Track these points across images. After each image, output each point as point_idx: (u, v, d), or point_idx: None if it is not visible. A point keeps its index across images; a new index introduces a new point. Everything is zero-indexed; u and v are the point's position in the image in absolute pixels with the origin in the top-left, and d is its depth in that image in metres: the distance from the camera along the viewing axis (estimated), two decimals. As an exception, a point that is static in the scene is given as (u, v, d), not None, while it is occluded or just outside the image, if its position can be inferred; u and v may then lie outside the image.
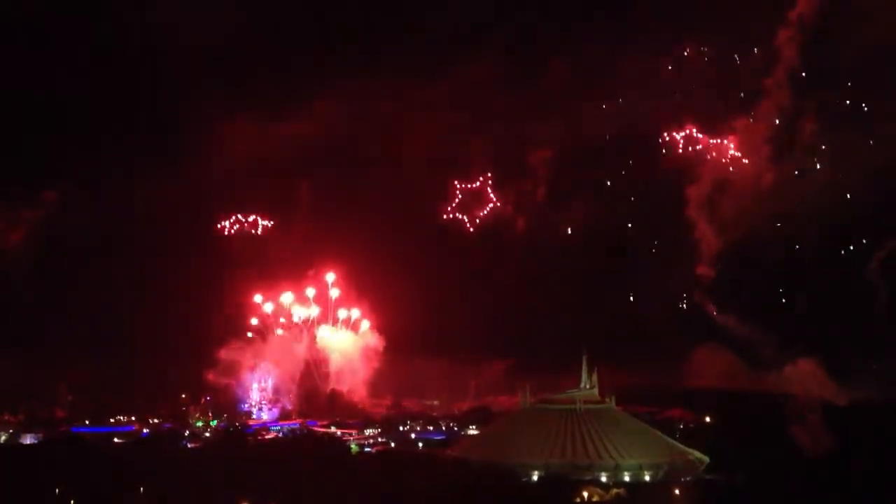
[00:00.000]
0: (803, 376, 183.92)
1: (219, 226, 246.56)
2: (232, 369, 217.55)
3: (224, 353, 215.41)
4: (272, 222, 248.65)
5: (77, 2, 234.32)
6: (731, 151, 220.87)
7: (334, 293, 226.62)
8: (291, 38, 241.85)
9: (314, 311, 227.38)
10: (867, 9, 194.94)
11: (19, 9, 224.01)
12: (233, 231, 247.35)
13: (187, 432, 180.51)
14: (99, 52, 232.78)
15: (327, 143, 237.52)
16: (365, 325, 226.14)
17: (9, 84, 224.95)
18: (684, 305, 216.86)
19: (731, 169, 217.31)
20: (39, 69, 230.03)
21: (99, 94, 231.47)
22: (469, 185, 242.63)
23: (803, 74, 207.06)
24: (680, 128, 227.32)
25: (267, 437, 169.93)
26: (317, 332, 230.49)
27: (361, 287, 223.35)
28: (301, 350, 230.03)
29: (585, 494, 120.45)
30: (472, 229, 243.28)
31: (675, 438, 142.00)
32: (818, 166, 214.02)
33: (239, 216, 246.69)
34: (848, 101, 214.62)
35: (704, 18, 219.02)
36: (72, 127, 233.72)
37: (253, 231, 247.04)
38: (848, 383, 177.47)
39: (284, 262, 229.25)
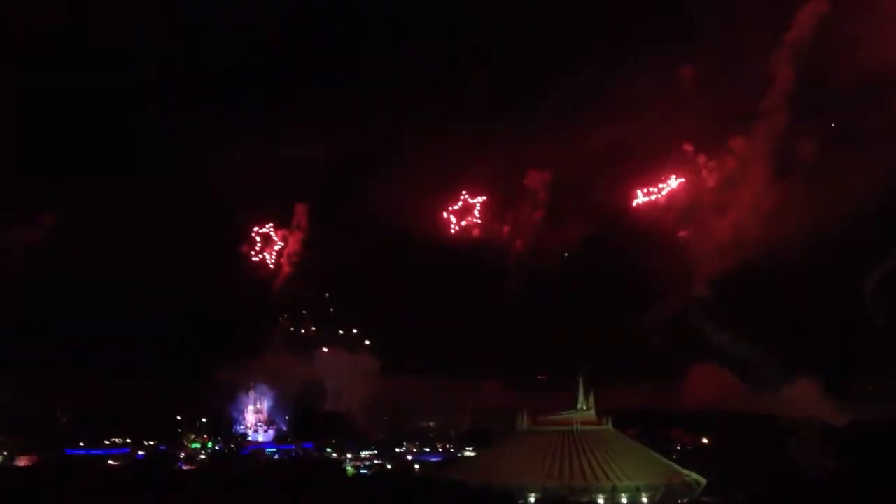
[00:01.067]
0: (801, 397, 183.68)
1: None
2: (228, 390, 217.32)
3: (220, 375, 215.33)
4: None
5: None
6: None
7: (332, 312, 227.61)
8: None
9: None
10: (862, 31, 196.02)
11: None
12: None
13: (182, 454, 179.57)
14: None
15: (326, 160, 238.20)
16: (362, 345, 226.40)
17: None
18: (681, 326, 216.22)
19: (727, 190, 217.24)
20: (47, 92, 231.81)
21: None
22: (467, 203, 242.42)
23: (800, 96, 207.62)
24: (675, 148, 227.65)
25: (262, 459, 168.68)
26: (313, 353, 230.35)
27: (359, 307, 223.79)
28: (298, 371, 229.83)
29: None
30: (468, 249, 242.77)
31: (672, 460, 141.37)
32: (814, 186, 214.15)
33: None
34: (844, 122, 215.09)
35: (702, 40, 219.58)
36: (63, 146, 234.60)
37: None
38: (846, 403, 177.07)
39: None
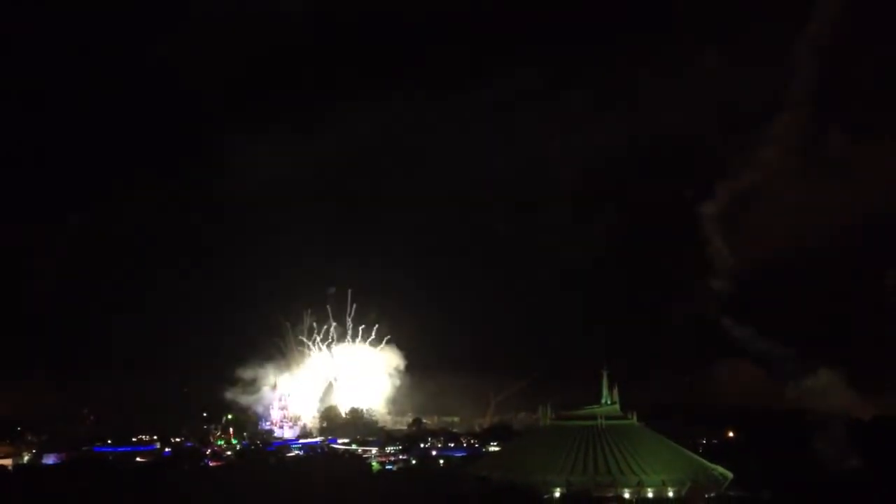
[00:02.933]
0: (826, 390, 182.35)
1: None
2: (253, 388, 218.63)
3: (245, 372, 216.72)
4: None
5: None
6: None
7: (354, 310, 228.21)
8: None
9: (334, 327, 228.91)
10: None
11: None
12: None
13: (209, 451, 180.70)
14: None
15: (349, 161, 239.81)
16: (386, 341, 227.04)
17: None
18: (705, 320, 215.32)
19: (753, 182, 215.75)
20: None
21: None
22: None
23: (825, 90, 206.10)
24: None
25: (288, 455, 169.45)
26: (337, 350, 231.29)
27: (382, 303, 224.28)
28: (322, 368, 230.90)
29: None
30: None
31: (698, 454, 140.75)
32: (841, 180, 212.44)
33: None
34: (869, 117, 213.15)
35: (727, 32, 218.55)
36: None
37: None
38: (872, 397, 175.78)
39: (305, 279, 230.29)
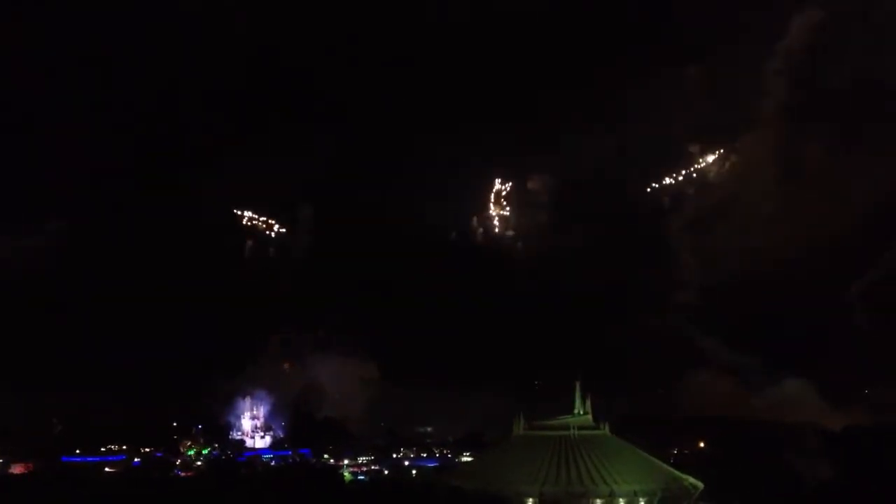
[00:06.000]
0: (795, 400, 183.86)
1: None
2: (224, 396, 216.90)
3: (217, 381, 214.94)
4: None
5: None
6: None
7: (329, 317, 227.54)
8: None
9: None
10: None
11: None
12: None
13: (178, 461, 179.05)
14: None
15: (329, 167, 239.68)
16: (359, 351, 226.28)
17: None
18: (676, 332, 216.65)
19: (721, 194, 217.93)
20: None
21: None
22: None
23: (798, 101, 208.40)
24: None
25: (259, 465, 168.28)
26: (310, 359, 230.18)
27: (356, 313, 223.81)
28: (295, 377, 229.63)
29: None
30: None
31: (669, 464, 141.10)
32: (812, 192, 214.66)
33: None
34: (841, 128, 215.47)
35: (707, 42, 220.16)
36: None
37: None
38: (842, 408, 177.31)
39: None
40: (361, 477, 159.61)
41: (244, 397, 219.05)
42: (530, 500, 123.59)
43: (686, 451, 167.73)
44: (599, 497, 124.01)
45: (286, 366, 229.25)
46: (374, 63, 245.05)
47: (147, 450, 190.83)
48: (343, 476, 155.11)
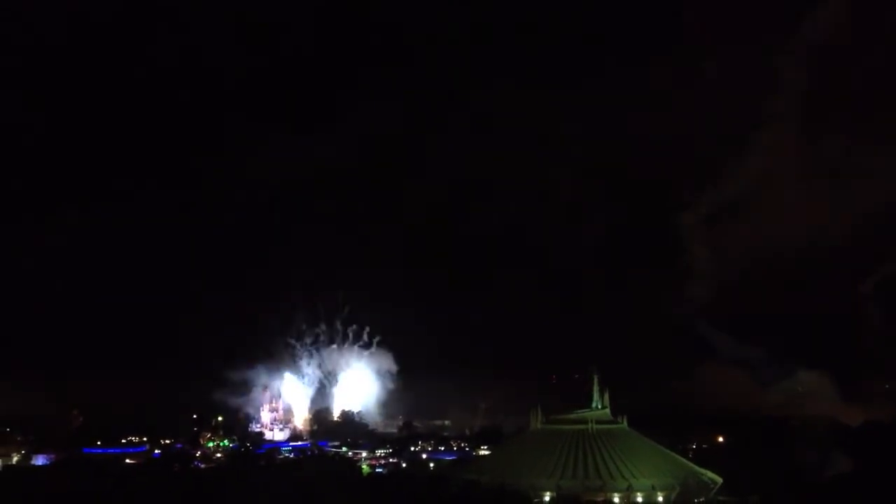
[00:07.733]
0: (812, 395, 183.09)
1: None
2: (243, 389, 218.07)
3: (236, 374, 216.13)
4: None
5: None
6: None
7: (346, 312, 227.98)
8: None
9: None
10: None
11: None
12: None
13: (199, 453, 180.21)
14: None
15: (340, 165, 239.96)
16: (377, 344, 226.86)
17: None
18: (694, 327, 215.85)
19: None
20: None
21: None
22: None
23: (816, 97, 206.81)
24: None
25: (278, 457, 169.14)
26: (328, 352, 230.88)
27: (374, 306, 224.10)
28: (312, 370, 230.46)
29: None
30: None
31: (688, 459, 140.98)
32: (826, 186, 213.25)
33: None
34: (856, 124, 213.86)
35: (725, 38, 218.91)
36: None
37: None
38: (861, 403, 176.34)
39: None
40: (379, 469, 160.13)
41: (263, 390, 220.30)
42: (547, 493, 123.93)
43: (704, 446, 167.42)
44: (617, 491, 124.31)
45: (305, 358, 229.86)
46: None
47: (167, 441, 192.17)
48: (361, 468, 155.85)
